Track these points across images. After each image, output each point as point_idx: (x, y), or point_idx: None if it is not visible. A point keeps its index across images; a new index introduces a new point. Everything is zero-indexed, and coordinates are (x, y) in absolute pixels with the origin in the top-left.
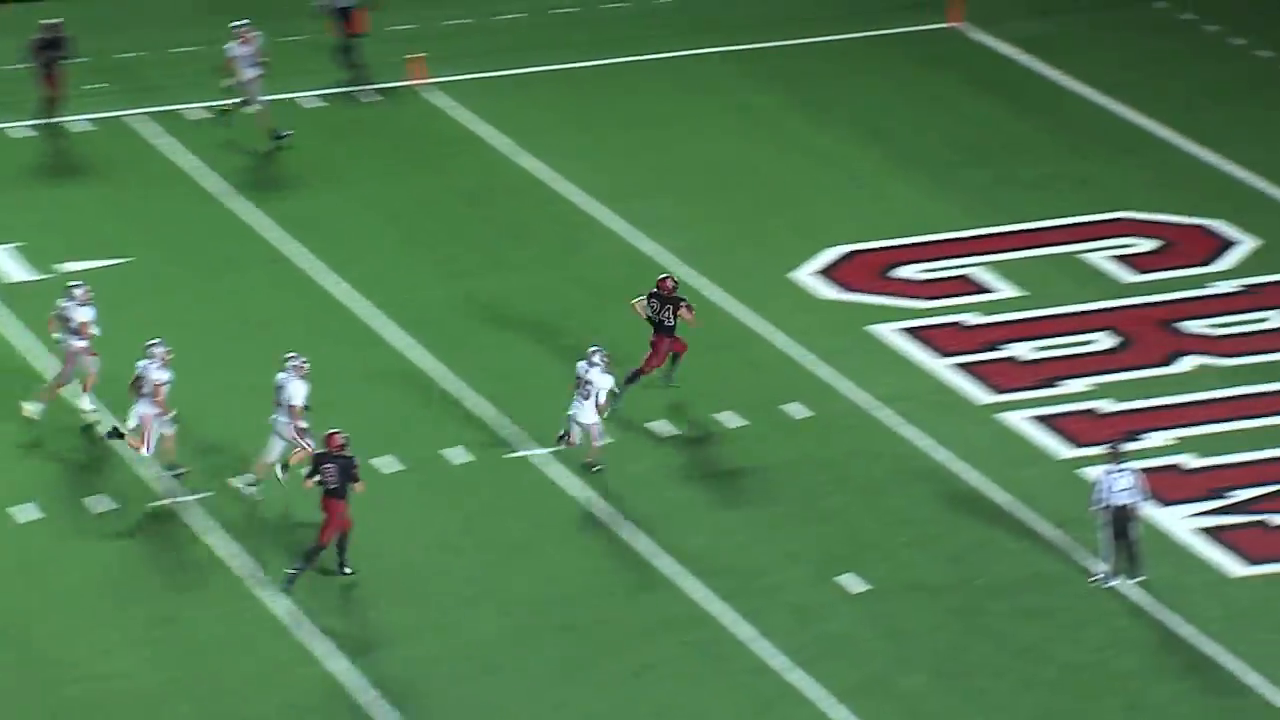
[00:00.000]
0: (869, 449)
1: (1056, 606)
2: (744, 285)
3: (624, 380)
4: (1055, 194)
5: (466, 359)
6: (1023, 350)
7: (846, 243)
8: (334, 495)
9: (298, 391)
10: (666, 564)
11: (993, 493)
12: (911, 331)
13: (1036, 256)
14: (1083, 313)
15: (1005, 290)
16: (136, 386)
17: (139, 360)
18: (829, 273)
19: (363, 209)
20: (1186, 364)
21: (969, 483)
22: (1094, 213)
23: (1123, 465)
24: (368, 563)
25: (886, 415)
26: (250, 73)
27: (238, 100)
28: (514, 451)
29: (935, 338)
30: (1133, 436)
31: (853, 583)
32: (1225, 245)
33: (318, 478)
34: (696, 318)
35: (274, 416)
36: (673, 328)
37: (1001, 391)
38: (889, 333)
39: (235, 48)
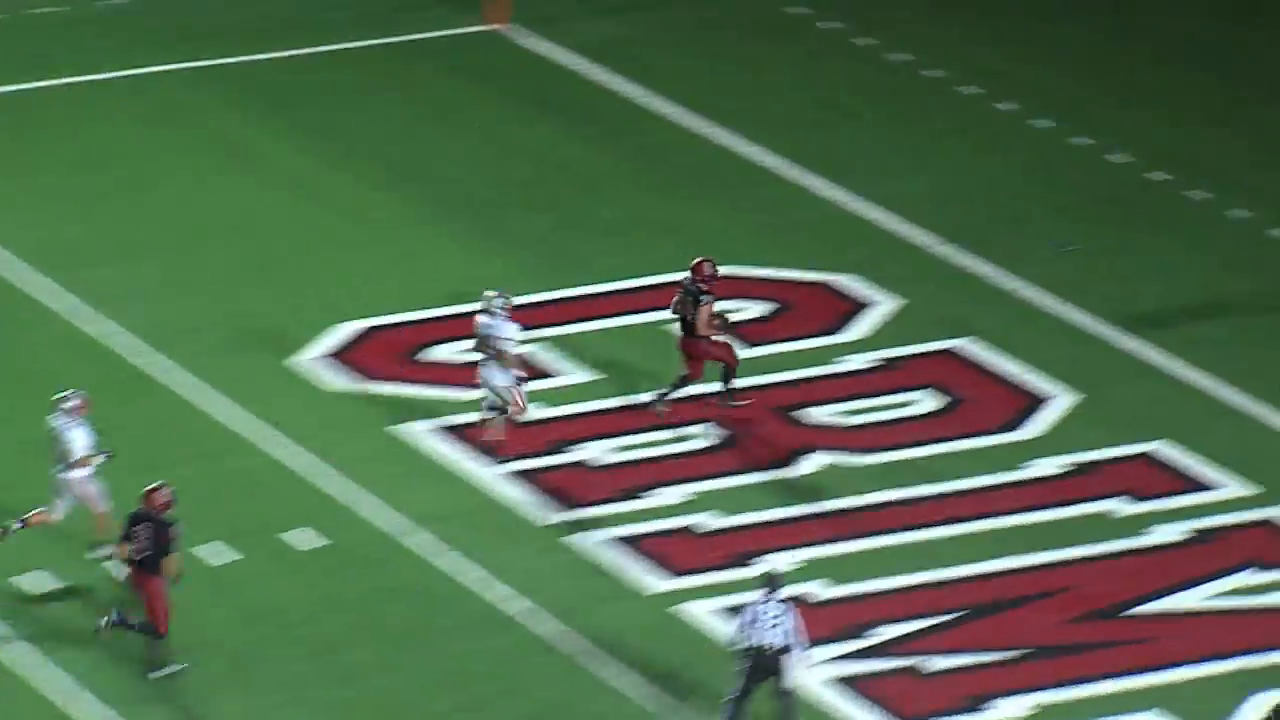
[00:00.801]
0: (401, 586)
1: None
2: (227, 375)
3: (670, 387)
4: (637, 245)
5: None
6: (600, 451)
7: (363, 316)
8: (145, 569)
9: (78, 439)
10: None
11: (567, 639)
12: (453, 430)
13: (615, 327)
14: (678, 400)
15: (575, 373)
16: None
17: None
18: (341, 356)
19: None
20: (812, 464)
21: (533, 629)
22: (687, 269)
23: (775, 597)
24: None
25: (423, 541)
26: None
27: None
28: None
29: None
30: (745, 560)
31: None
32: (856, 307)
33: (130, 544)
34: (715, 324)
35: (60, 475)
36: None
37: (574, 506)
38: (423, 433)
39: None
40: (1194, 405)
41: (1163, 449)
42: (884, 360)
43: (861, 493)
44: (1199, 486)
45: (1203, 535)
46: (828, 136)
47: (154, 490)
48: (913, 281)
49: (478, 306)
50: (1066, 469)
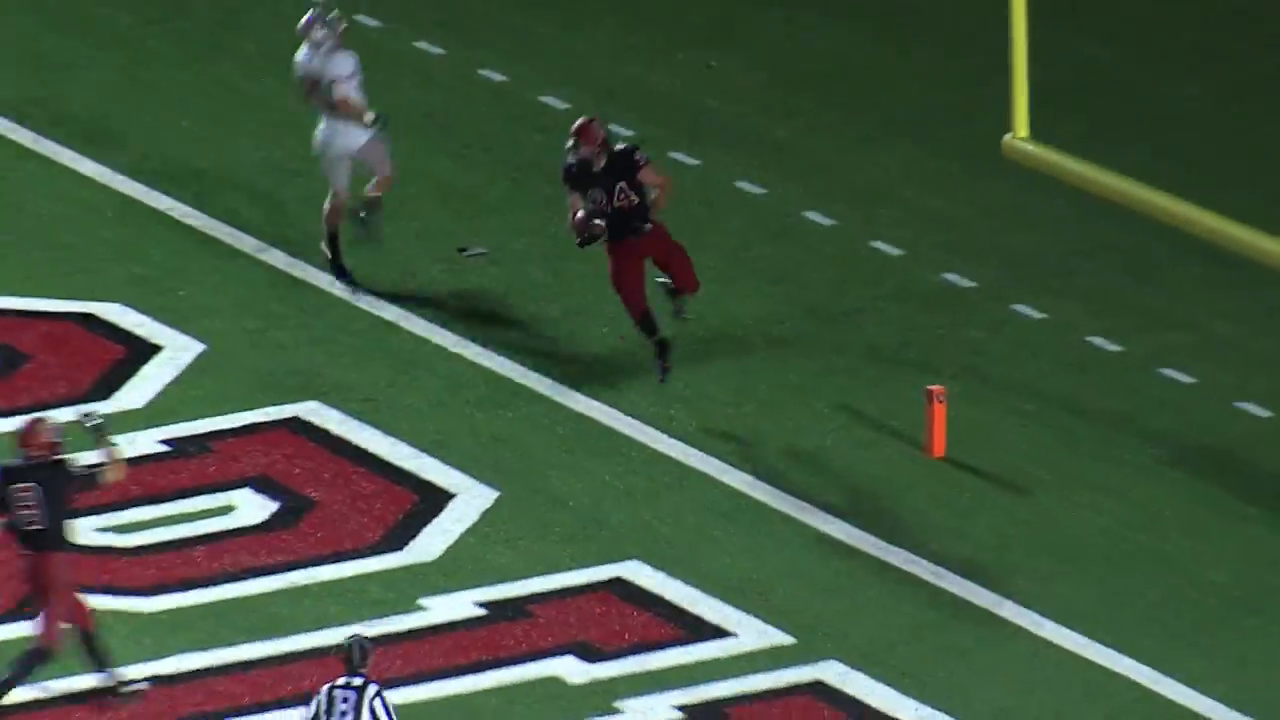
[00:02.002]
0: None
1: None
2: None
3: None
4: None
5: None
6: None
7: None
8: (35, 544)
9: None
10: None
11: None
12: None
13: None
14: None
15: None
16: None
17: None
18: None
19: None
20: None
21: None
22: None
23: (355, 680)
24: None
25: None
26: None
27: None
28: None
29: None
30: None
31: None
32: (132, 355)
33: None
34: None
35: None
36: (635, 217)
37: None
38: None
39: None
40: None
41: (637, 571)
42: (175, 440)
43: (162, 654)
44: (694, 634)
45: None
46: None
47: (33, 425)
48: (223, 310)
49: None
50: (486, 608)
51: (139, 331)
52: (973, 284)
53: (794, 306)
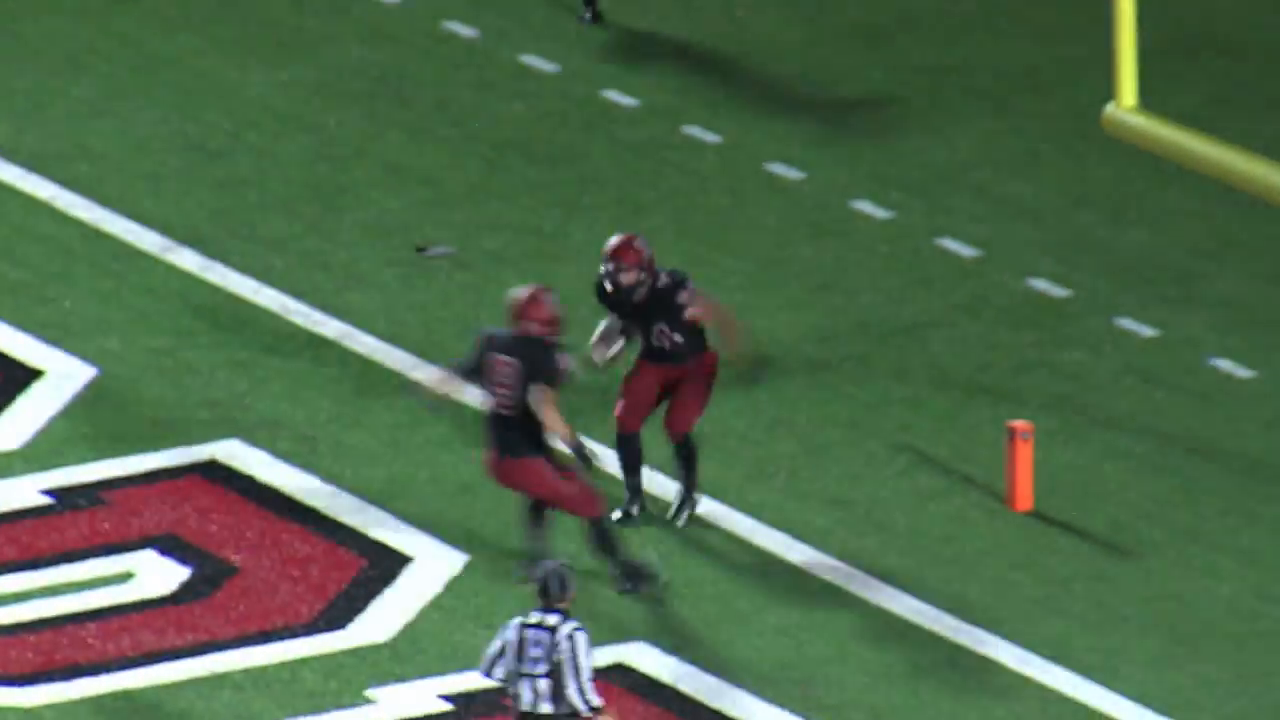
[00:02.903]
0: None
1: None
2: None
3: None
4: None
5: None
6: None
7: None
8: (511, 450)
9: None
10: None
11: None
12: None
13: None
14: None
15: None
16: None
17: None
18: None
19: None
20: None
21: None
22: None
23: (550, 618)
24: None
25: None
26: None
27: None
28: None
29: None
30: None
31: None
32: (14, 381)
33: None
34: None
35: None
36: (675, 354)
37: None
38: None
39: None
40: None
41: (643, 654)
42: (60, 491)
43: None
44: None
45: None
46: None
47: (534, 297)
48: (119, 326)
49: None
50: (452, 701)
51: (14, 352)
52: (1067, 292)
53: (842, 320)
